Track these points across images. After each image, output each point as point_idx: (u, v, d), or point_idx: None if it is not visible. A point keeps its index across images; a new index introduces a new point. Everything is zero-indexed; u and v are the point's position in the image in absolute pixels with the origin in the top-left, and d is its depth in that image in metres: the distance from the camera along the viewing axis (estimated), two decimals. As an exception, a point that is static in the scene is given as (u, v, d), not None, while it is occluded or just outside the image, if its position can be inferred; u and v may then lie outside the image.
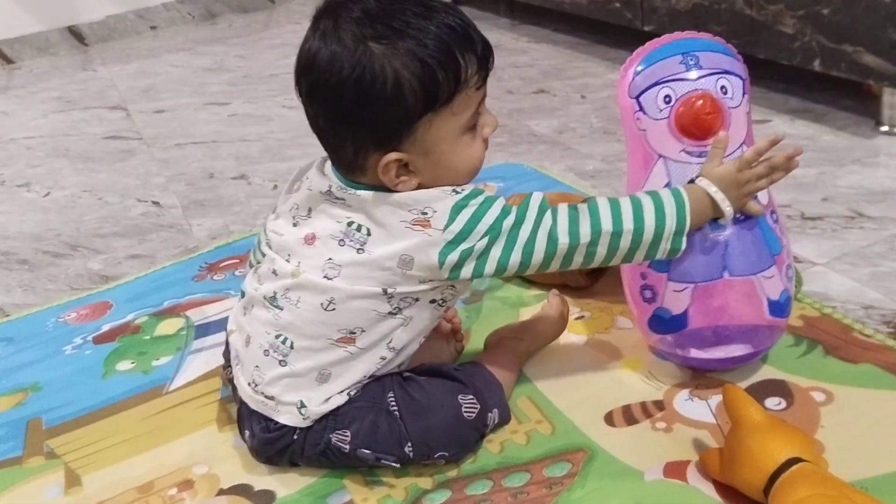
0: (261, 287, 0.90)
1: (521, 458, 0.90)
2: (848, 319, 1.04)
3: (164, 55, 2.94)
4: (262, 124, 2.08)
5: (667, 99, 0.91)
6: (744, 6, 1.65)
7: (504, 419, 0.94)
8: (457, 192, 0.82)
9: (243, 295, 0.95)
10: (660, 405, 0.95)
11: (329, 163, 0.88)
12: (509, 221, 0.82)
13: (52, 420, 1.08)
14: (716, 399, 0.93)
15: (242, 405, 0.93)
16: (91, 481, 0.97)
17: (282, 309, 0.87)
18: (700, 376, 0.98)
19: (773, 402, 0.92)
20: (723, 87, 0.90)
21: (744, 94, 0.91)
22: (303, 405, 0.87)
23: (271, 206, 1.02)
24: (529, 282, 1.20)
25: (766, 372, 0.97)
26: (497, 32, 2.56)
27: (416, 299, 0.86)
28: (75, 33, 3.23)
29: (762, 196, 0.92)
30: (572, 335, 1.09)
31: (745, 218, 0.89)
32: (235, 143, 1.99)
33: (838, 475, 0.79)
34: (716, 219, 0.88)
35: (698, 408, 0.93)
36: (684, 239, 0.85)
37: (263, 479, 0.93)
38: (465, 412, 0.89)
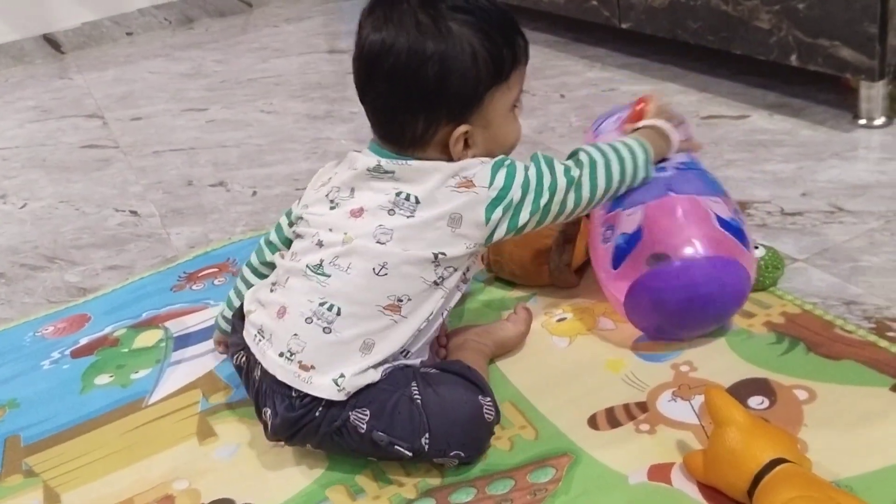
0: (303, 258, 0.92)
1: (505, 465, 0.90)
2: (829, 315, 1.03)
3: (140, 62, 2.92)
4: (241, 129, 2.06)
5: (616, 119, 1.15)
6: (719, 2, 1.65)
7: (497, 421, 0.94)
8: (490, 160, 0.90)
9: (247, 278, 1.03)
10: (643, 407, 0.94)
11: (367, 148, 0.94)
12: (533, 172, 0.91)
13: (31, 437, 1.07)
14: (699, 399, 0.93)
15: (263, 382, 0.91)
16: (71, 499, 0.96)
17: (329, 276, 0.89)
18: (682, 377, 0.97)
19: (755, 402, 0.92)
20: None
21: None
22: (342, 376, 0.87)
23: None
24: (512, 284, 1.20)
25: (749, 371, 0.97)
26: (475, 32, 2.55)
27: (456, 269, 0.91)
28: (51, 41, 3.20)
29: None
30: (555, 337, 1.09)
31: (684, 167, 1.03)
32: (213, 149, 1.97)
33: (823, 474, 0.79)
34: (664, 160, 1.03)
35: (681, 409, 0.93)
36: (652, 166, 0.99)
37: (244, 493, 0.92)
38: (486, 414, 0.90)
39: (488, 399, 0.90)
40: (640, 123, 1.04)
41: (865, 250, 1.16)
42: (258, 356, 0.91)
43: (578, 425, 0.93)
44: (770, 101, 1.69)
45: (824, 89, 1.66)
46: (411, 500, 0.87)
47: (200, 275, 1.38)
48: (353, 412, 0.87)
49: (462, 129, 0.89)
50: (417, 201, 0.89)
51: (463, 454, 0.88)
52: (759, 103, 1.69)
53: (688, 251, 0.95)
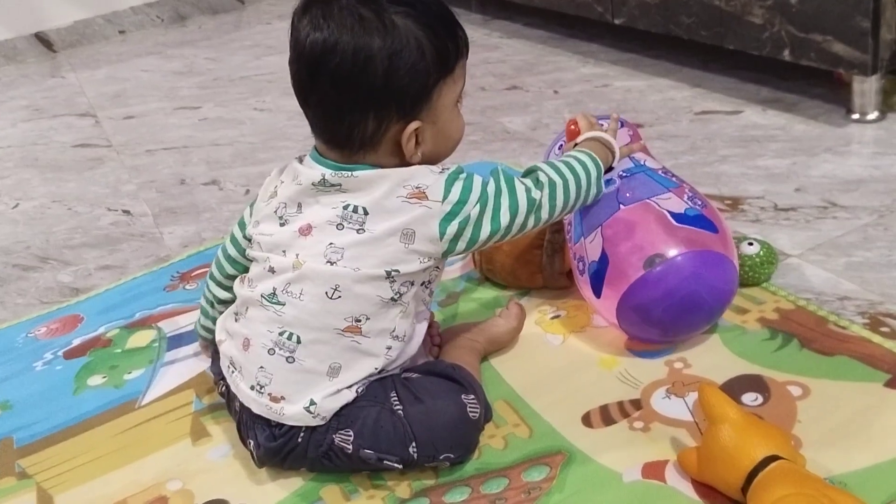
0: (257, 287, 0.90)
1: (499, 464, 0.89)
2: (823, 311, 1.03)
3: (133, 60, 2.90)
4: (234, 128, 2.06)
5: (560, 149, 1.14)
6: (713, -3, 1.64)
7: (487, 419, 0.94)
8: (444, 170, 0.88)
9: (218, 303, 0.95)
10: (637, 404, 0.94)
11: (308, 157, 0.91)
12: (492, 188, 0.89)
13: (24, 439, 1.06)
14: (692, 396, 0.93)
15: (243, 413, 0.91)
16: (64, 501, 0.95)
17: (283, 304, 0.87)
18: (676, 374, 0.97)
19: (749, 398, 0.92)
20: (601, 124, 1.10)
21: (622, 126, 1.12)
22: (312, 403, 0.86)
23: (242, 211, 1.02)
24: (505, 284, 1.19)
25: (743, 367, 0.97)
26: (469, 28, 2.52)
27: (413, 283, 0.88)
28: (43, 40, 3.18)
29: (654, 165, 1.07)
30: (549, 335, 1.08)
31: (629, 174, 1.03)
32: (206, 147, 1.96)
33: (816, 470, 0.79)
34: (609, 169, 1.03)
35: (675, 406, 0.93)
36: (602, 181, 0.99)
37: (238, 493, 0.92)
38: (471, 412, 0.89)
39: (471, 397, 0.90)
40: (581, 137, 1.03)
41: (859, 245, 1.16)
42: (233, 388, 0.92)
43: (572, 423, 0.93)
44: (764, 96, 1.69)
45: (818, 84, 1.67)
46: (405, 500, 0.87)
47: (194, 274, 1.38)
48: (337, 434, 0.87)
49: (414, 125, 0.86)
50: (366, 212, 0.86)
51: (453, 455, 0.88)
52: (752, 98, 1.68)
53: (654, 260, 0.95)
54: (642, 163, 1.06)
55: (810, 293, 1.08)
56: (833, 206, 1.26)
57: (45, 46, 3.18)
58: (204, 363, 1.13)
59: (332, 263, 0.86)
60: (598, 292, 1.00)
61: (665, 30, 1.81)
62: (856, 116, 1.52)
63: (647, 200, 0.99)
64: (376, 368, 0.88)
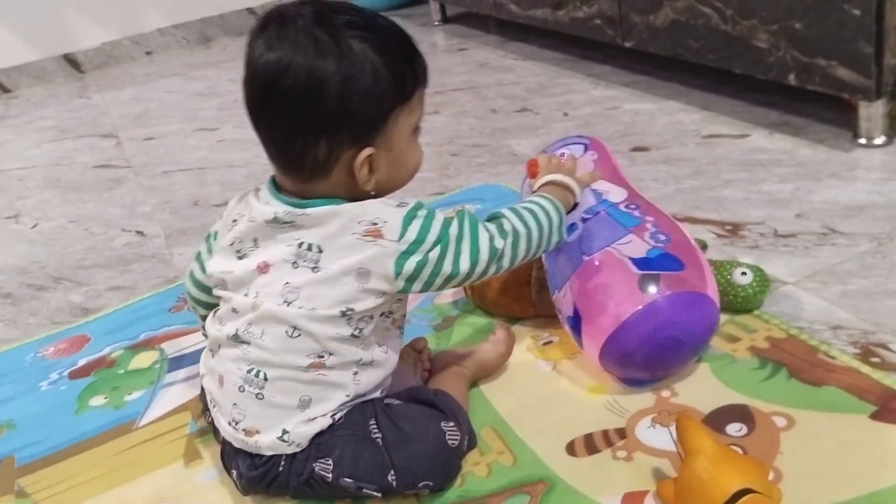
0: (224, 328, 0.91)
1: (481, 491, 0.90)
2: (814, 340, 1.03)
3: (158, 80, 2.97)
4: (249, 149, 2.09)
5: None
6: (719, 21, 1.64)
7: (471, 446, 0.95)
8: (402, 205, 0.86)
9: (206, 337, 0.96)
10: (622, 433, 0.94)
11: (265, 190, 0.89)
12: (454, 231, 0.88)
13: (24, 458, 1.09)
14: (676, 426, 0.93)
15: (226, 444, 0.93)
16: (58, 520, 0.98)
17: (248, 344, 0.88)
18: (663, 402, 0.97)
19: (734, 429, 0.92)
20: (562, 153, 1.14)
21: (587, 151, 1.15)
22: (285, 432, 0.87)
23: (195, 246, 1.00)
24: (500, 315, 1.20)
25: (729, 396, 0.96)
26: (485, 50, 2.57)
27: (371, 316, 0.88)
28: (71, 61, 3.26)
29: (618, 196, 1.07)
30: (540, 360, 1.09)
31: (591, 214, 1.03)
32: (222, 169, 2.00)
33: (795, 503, 0.79)
34: (574, 206, 1.04)
35: (659, 435, 0.93)
36: (564, 227, 0.99)
37: (225, 516, 0.93)
38: (450, 440, 0.90)
39: (451, 424, 0.90)
40: (540, 181, 1.03)
41: (856, 273, 1.15)
42: (216, 422, 0.93)
43: (556, 451, 0.93)
44: (772, 119, 1.68)
45: (826, 107, 1.66)
46: (386, 526, 0.88)
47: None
48: (317, 463, 0.88)
49: (366, 152, 0.84)
50: (320, 250, 0.85)
51: (432, 483, 0.89)
52: (760, 122, 1.68)
53: (623, 314, 0.94)
54: (604, 197, 1.06)
55: (803, 322, 1.07)
56: (833, 233, 1.25)
57: (73, 67, 3.26)
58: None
59: (288, 304, 0.85)
60: (579, 343, 1.02)
61: (673, 53, 1.81)
62: (862, 141, 1.51)
63: (608, 248, 0.99)
64: (348, 396, 0.89)
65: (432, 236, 0.86)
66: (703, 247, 1.14)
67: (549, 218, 0.96)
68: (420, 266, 0.86)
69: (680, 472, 0.81)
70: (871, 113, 1.47)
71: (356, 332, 0.87)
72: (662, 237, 1.00)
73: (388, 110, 0.84)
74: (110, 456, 1.06)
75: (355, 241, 0.84)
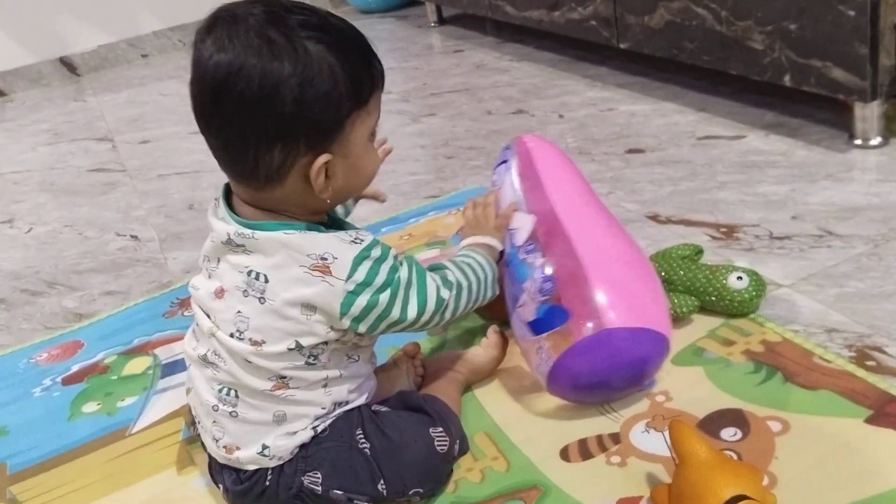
0: (197, 347, 0.90)
1: (475, 497, 0.90)
2: (809, 344, 1.02)
3: (153, 83, 2.96)
4: (244, 152, 2.08)
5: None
6: (714, 22, 1.64)
7: (463, 451, 0.94)
8: (357, 242, 0.83)
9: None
10: (616, 438, 0.94)
11: (221, 204, 0.86)
12: (403, 276, 0.86)
13: (17, 465, 1.08)
14: (671, 431, 0.92)
15: (212, 458, 0.92)
16: (50, 528, 0.97)
17: (216, 364, 0.87)
18: (658, 407, 0.97)
19: (728, 433, 0.91)
20: (493, 181, 1.16)
21: (508, 168, 1.13)
22: (265, 447, 0.87)
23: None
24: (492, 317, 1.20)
25: (724, 401, 0.96)
26: (482, 52, 2.56)
27: (326, 343, 0.85)
28: (67, 64, 3.25)
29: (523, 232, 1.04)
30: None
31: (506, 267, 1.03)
32: (217, 172, 1.94)
33: (791, 508, 0.78)
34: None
35: (654, 440, 0.92)
36: (496, 283, 0.99)
37: (218, 523, 0.93)
38: (438, 446, 0.89)
39: (440, 430, 0.90)
40: (465, 242, 1.03)
41: (851, 275, 1.15)
42: (201, 436, 0.93)
43: (550, 457, 0.93)
44: (767, 120, 1.68)
45: (822, 108, 1.65)
46: (379, 534, 0.87)
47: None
48: (306, 476, 0.87)
49: (323, 158, 0.80)
50: (266, 280, 0.82)
51: (422, 490, 0.88)
52: (756, 123, 1.67)
53: (542, 381, 0.96)
54: (512, 240, 1.04)
55: (798, 325, 1.07)
56: (828, 235, 1.25)
57: (69, 70, 3.26)
58: (195, 391, 1.15)
59: (240, 335, 0.84)
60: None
61: (669, 54, 1.80)
62: (858, 142, 1.50)
63: (513, 315, 1.00)
64: (324, 408, 0.88)
65: (380, 279, 0.83)
66: (698, 252, 1.14)
67: (484, 272, 0.96)
68: (368, 308, 0.83)
69: (673, 479, 0.80)
70: (867, 114, 1.47)
71: (311, 361, 0.85)
72: (548, 285, 0.96)
73: (346, 115, 0.80)
74: (103, 463, 1.06)
75: (303, 275, 0.81)
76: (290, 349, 0.83)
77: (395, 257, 0.86)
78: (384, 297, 0.84)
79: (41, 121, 2.75)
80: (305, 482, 0.87)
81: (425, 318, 0.88)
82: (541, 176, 1.08)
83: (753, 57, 1.58)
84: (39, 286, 1.58)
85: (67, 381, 1.24)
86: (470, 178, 1.68)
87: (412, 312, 0.86)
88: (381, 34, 2.97)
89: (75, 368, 1.27)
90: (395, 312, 0.85)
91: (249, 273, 0.83)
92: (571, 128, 1.84)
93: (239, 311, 0.84)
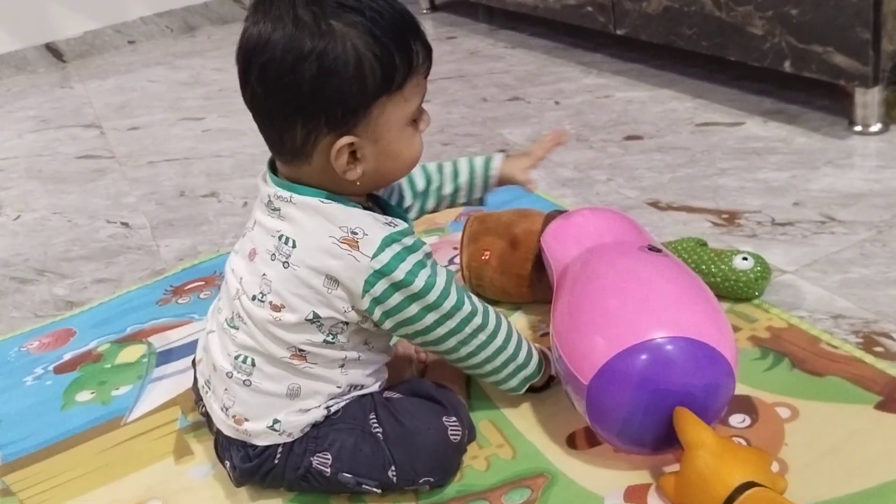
0: (222, 312, 0.90)
1: (481, 486, 0.88)
2: (815, 330, 1.01)
3: (141, 70, 2.92)
4: (235, 139, 2.06)
5: None
6: (713, 8, 1.62)
7: (471, 439, 0.93)
8: (391, 226, 0.82)
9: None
10: (623, 425, 0.92)
11: (266, 170, 0.86)
12: (425, 274, 0.82)
13: (10, 455, 1.06)
14: (679, 418, 0.91)
15: (220, 434, 0.90)
16: (45, 519, 0.95)
17: (237, 329, 0.86)
18: (664, 394, 0.95)
19: (737, 420, 0.90)
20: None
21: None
22: (276, 421, 0.85)
23: (238, 224, 1.01)
24: (496, 300, 1.18)
25: (732, 387, 0.95)
26: (475, 38, 2.54)
27: (346, 323, 0.84)
28: (53, 50, 3.20)
29: None
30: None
31: None
32: (207, 159, 1.96)
33: (802, 495, 0.77)
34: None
35: (661, 427, 0.91)
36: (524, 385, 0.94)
37: (217, 513, 0.91)
38: (452, 435, 0.88)
39: (453, 419, 0.89)
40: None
41: (855, 261, 1.14)
42: (209, 408, 0.91)
43: (557, 444, 0.91)
44: (766, 107, 1.67)
45: (821, 95, 1.64)
46: (384, 523, 0.86)
47: (186, 288, 1.37)
48: (315, 457, 0.86)
49: (344, 140, 0.79)
50: (294, 245, 0.81)
51: (433, 479, 0.87)
52: (754, 110, 1.66)
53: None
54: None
55: (804, 311, 1.06)
56: (831, 221, 1.24)
57: (55, 57, 3.21)
58: (192, 379, 1.13)
59: (261, 300, 0.83)
60: None
61: (666, 41, 1.79)
62: (858, 128, 1.49)
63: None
64: (339, 387, 0.87)
65: (405, 268, 0.81)
66: (702, 245, 1.12)
67: (523, 359, 0.92)
68: (386, 294, 0.81)
69: (681, 467, 0.79)
70: (868, 100, 1.46)
71: (330, 339, 0.84)
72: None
73: (372, 99, 0.78)
74: (98, 453, 1.04)
75: (331, 245, 0.80)
76: (307, 320, 0.82)
77: (429, 255, 0.84)
78: (405, 293, 0.81)
79: (27, 107, 2.70)
80: (314, 463, 0.86)
81: (447, 307, 0.84)
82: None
83: (753, 43, 1.57)
84: (29, 274, 1.55)
85: (60, 370, 1.22)
86: (466, 165, 1.66)
87: (430, 319, 0.83)
88: (373, 21, 2.93)
89: (67, 357, 1.25)
90: (411, 311, 0.83)
91: (280, 237, 0.82)
92: (568, 115, 1.82)
93: (264, 274, 0.83)
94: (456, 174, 1.04)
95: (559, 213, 1.11)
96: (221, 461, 0.92)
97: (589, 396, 0.82)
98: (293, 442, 0.87)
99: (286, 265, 0.82)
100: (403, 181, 1.01)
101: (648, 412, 0.80)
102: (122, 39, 3.30)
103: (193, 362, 0.98)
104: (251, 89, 0.79)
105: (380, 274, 0.80)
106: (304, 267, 0.81)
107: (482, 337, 0.87)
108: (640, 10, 1.82)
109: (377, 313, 0.82)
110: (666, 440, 0.81)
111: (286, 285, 0.82)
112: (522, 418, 0.96)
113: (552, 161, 1.61)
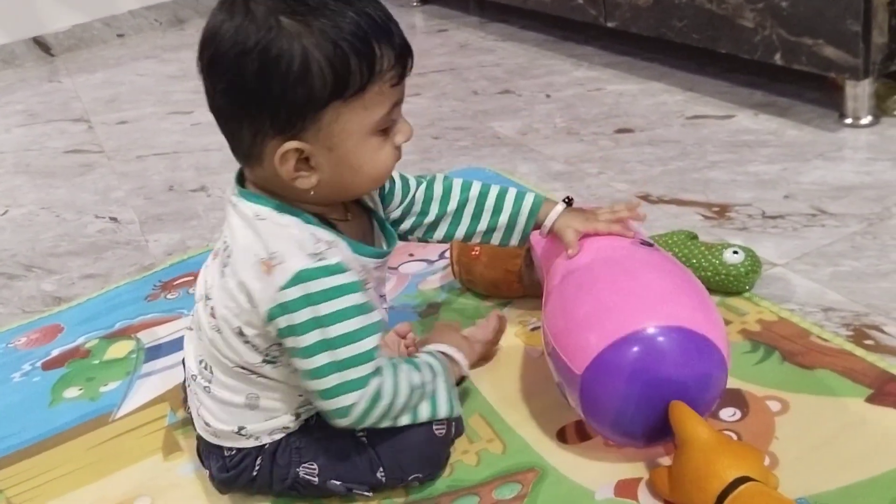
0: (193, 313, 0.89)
1: (471, 481, 0.88)
2: (806, 323, 1.01)
3: (130, 63, 2.90)
4: (225, 133, 2.04)
5: None
6: (704, 0, 1.62)
7: (459, 432, 0.92)
8: (314, 257, 0.75)
9: None
10: (613, 419, 0.92)
11: (238, 171, 0.84)
12: (332, 331, 0.75)
13: (-2, 452, 1.05)
14: (669, 412, 0.91)
15: (199, 438, 0.90)
16: (33, 517, 0.94)
17: (201, 330, 0.85)
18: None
19: (727, 413, 0.90)
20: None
21: None
22: (241, 428, 0.85)
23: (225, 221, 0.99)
24: (485, 294, 1.18)
25: (722, 381, 0.94)
26: (465, 31, 2.53)
27: (280, 344, 0.79)
28: (41, 44, 3.18)
29: None
30: (528, 346, 1.06)
31: None
32: (196, 153, 1.95)
33: (793, 488, 0.77)
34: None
35: (652, 421, 0.91)
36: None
37: (206, 510, 0.90)
38: (437, 430, 0.87)
39: None
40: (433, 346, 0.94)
41: (846, 254, 1.14)
42: (190, 404, 0.91)
43: (547, 438, 0.91)
44: (756, 100, 1.66)
45: (812, 88, 1.64)
46: (374, 519, 0.86)
47: (175, 283, 1.36)
48: (301, 468, 0.85)
49: (290, 145, 0.74)
50: (230, 255, 0.78)
51: (422, 475, 0.86)
52: (745, 102, 1.66)
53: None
54: None
55: (794, 304, 1.06)
56: (822, 214, 1.24)
57: (43, 51, 3.18)
58: (180, 375, 1.12)
59: (205, 307, 0.81)
60: None
61: (657, 33, 1.78)
62: (849, 121, 1.49)
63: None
64: (301, 395, 0.85)
65: (308, 313, 0.74)
66: (692, 238, 1.12)
67: (418, 392, 0.85)
68: (284, 333, 0.76)
69: (674, 461, 0.79)
70: (858, 92, 1.46)
71: (269, 359, 0.81)
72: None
73: (321, 104, 0.73)
74: (86, 450, 1.03)
75: (255, 263, 0.76)
76: (237, 334, 0.79)
77: (354, 310, 0.76)
78: (304, 339, 0.76)
79: (15, 102, 2.68)
80: (301, 473, 0.85)
81: (342, 374, 0.77)
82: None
83: (744, 35, 1.56)
84: (16, 269, 1.54)
85: (48, 366, 1.21)
86: (457, 159, 1.65)
87: (324, 359, 0.76)
88: (363, 14, 2.92)
89: (55, 353, 1.24)
90: (302, 363, 0.77)
91: (225, 242, 0.81)
92: (559, 108, 1.82)
93: (214, 277, 0.82)
94: (498, 209, 0.96)
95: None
96: (203, 465, 0.91)
97: (582, 388, 0.81)
98: (275, 453, 0.86)
99: (223, 274, 0.79)
100: (419, 194, 0.97)
101: (641, 403, 0.80)
102: (111, 33, 3.28)
103: (183, 359, 0.97)
104: (204, 83, 0.76)
105: (283, 308, 0.75)
106: (233, 279, 0.78)
107: (378, 410, 0.81)
108: (631, 2, 1.81)
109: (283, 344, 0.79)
110: (659, 432, 0.81)
111: (220, 294, 0.80)
112: (513, 413, 0.96)
113: (543, 154, 1.61)
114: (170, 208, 1.68)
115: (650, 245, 0.93)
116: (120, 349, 1.22)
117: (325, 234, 0.78)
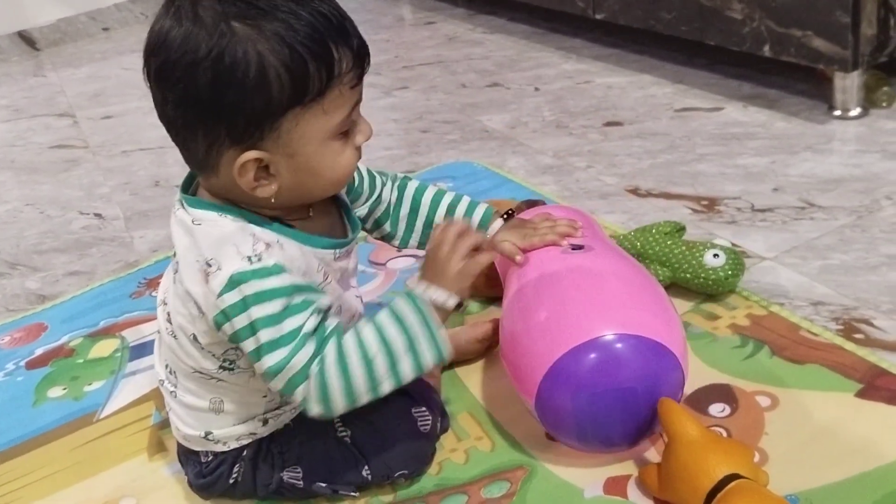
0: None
1: (459, 479, 0.87)
2: (795, 317, 1.01)
3: (115, 57, 2.88)
4: (212, 128, 2.03)
5: None
6: (692, -8, 1.61)
7: (444, 428, 0.92)
8: (249, 261, 0.71)
9: None
10: (602, 416, 0.91)
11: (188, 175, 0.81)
12: (270, 333, 0.71)
13: (-20, 453, 1.04)
14: (659, 408, 0.90)
15: (178, 443, 0.89)
16: (16, 519, 0.93)
17: (162, 335, 0.84)
18: (644, 383, 0.95)
19: (717, 409, 0.89)
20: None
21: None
22: (208, 433, 0.84)
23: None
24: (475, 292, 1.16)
25: (711, 376, 0.94)
26: (453, 23, 2.52)
27: (236, 348, 0.76)
28: (26, 38, 3.15)
29: None
30: (517, 343, 1.05)
31: None
32: (183, 148, 1.93)
33: (783, 485, 0.77)
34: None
35: (641, 418, 0.90)
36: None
37: (192, 511, 0.89)
38: (422, 426, 0.87)
39: (422, 409, 0.87)
40: (414, 286, 0.80)
41: (835, 247, 1.13)
42: (167, 410, 0.90)
43: (536, 436, 0.90)
44: (745, 92, 1.66)
45: (800, 79, 1.63)
46: (362, 519, 0.85)
47: (160, 280, 1.34)
48: (285, 473, 0.84)
49: (249, 155, 0.70)
50: (178, 262, 0.76)
51: (408, 471, 0.86)
52: (734, 94, 1.65)
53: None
54: None
55: (784, 298, 1.05)
56: (811, 207, 1.23)
57: (27, 45, 3.15)
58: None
59: (168, 319, 0.80)
60: None
61: (645, 25, 1.77)
62: (838, 113, 1.49)
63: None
64: (265, 397, 0.83)
65: (243, 319, 0.71)
66: (680, 229, 1.11)
67: (399, 346, 0.76)
68: (235, 339, 0.73)
69: (663, 458, 0.78)
70: (847, 84, 1.45)
71: (226, 365, 0.79)
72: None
73: (280, 111, 0.70)
74: (70, 450, 1.02)
75: (197, 271, 0.73)
76: (192, 341, 0.78)
77: (290, 303, 0.72)
78: (248, 343, 0.73)
79: (-1, 97, 2.66)
80: (285, 478, 0.84)
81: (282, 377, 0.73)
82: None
83: (732, 27, 1.56)
84: (0, 267, 1.52)
85: (31, 365, 1.19)
86: (446, 153, 1.64)
87: (269, 362, 0.72)
88: (350, 5, 2.88)
89: (39, 352, 1.22)
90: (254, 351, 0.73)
91: (174, 249, 0.79)
92: (548, 101, 1.81)
93: (164, 284, 0.82)
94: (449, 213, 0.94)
95: (532, 203, 1.10)
96: (184, 470, 0.90)
97: (539, 413, 0.82)
98: (255, 459, 0.85)
99: (174, 280, 0.78)
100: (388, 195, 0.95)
101: (600, 411, 0.79)
102: (96, 27, 3.25)
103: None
104: (153, 92, 0.72)
105: (224, 315, 0.72)
106: (181, 286, 0.75)
107: (337, 392, 0.74)
108: (619, -6, 1.80)
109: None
110: (630, 436, 0.82)
111: (174, 301, 0.78)
112: (502, 411, 0.95)
113: (532, 148, 1.60)
114: (155, 204, 1.67)
115: (581, 248, 0.90)
116: (104, 348, 1.20)
117: (267, 235, 0.74)
